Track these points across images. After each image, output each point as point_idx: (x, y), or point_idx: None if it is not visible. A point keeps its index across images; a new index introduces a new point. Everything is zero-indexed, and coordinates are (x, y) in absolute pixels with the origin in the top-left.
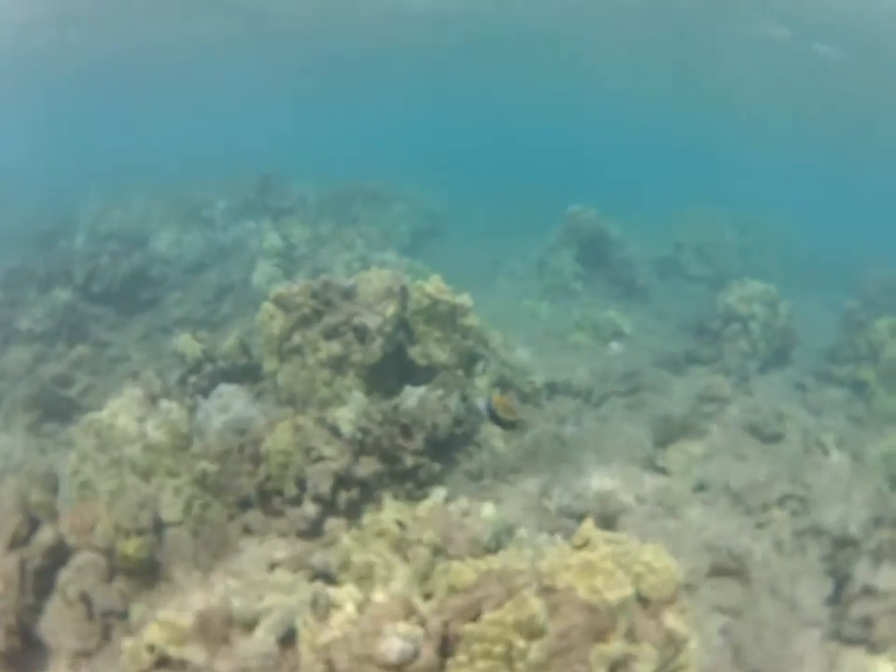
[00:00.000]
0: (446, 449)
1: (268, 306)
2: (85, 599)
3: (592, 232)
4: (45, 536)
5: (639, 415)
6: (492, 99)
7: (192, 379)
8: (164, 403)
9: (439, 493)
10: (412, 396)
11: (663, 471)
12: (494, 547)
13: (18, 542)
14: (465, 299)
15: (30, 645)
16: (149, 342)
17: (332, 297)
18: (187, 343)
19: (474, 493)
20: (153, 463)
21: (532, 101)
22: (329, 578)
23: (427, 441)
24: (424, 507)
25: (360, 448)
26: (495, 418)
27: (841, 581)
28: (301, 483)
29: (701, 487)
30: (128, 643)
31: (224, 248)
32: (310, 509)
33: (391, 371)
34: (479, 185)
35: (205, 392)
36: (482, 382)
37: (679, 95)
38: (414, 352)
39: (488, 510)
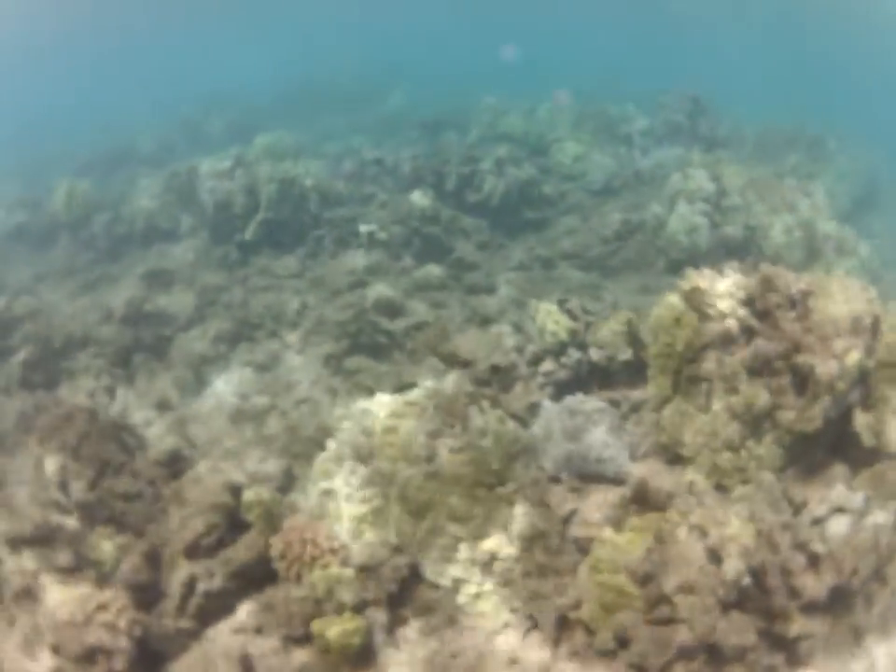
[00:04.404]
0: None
1: (674, 302)
2: (246, 664)
3: None
4: (240, 550)
5: None
6: None
7: (546, 366)
8: (478, 415)
9: None
10: (838, 515)
11: None
12: None
13: (197, 550)
14: None
15: None
16: (526, 275)
17: (773, 307)
18: (550, 314)
19: None
20: (433, 498)
21: None
22: None
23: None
24: None
25: (738, 597)
26: None
27: None
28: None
29: None
30: None
31: (640, 175)
32: None
33: (821, 442)
34: None
35: (562, 389)
36: None
37: None
38: (861, 422)
39: None
